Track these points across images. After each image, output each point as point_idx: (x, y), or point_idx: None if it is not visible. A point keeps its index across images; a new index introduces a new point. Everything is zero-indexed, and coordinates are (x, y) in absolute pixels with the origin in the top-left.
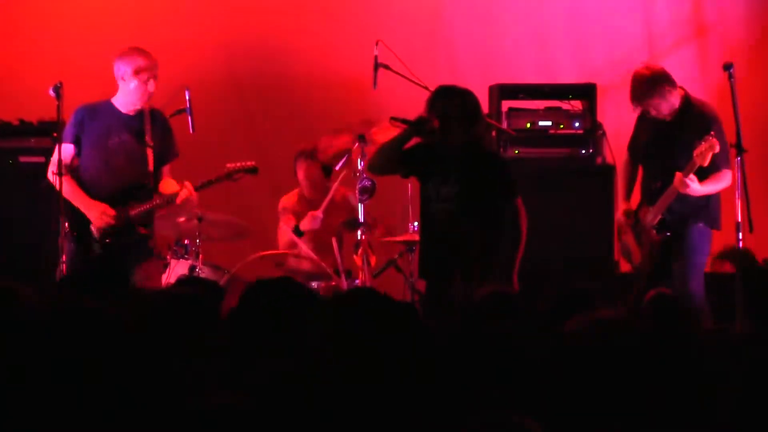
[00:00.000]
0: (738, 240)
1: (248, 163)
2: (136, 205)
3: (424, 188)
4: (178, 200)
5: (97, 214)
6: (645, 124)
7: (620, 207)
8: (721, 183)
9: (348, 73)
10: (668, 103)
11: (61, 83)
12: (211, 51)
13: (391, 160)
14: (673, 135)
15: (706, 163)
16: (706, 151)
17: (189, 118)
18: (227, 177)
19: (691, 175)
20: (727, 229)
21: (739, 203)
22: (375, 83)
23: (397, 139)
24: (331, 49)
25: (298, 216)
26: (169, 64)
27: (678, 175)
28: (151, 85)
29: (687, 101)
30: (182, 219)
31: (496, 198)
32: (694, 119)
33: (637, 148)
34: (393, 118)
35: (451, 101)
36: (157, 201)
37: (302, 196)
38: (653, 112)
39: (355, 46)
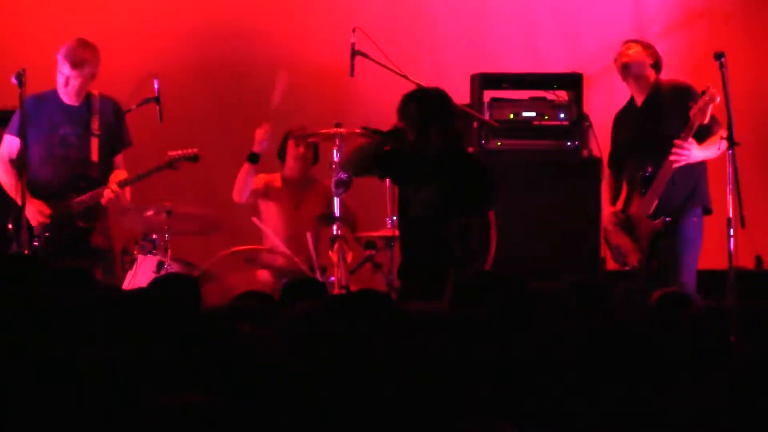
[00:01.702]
0: (729, 236)
1: (190, 150)
2: (76, 197)
3: (402, 191)
4: (103, 201)
5: (33, 213)
6: (620, 126)
7: (606, 211)
8: (715, 146)
9: (323, 61)
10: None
11: (23, 70)
12: (179, 37)
13: (365, 166)
14: (651, 116)
15: (706, 120)
16: (705, 105)
17: (158, 107)
18: (168, 165)
19: (690, 139)
20: (719, 225)
21: (730, 198)
22: (352, 71)
23: (370, 146)
24: (306, 36)
25: (278, 197)
26: (135, 51)
27: (676, 143)
28: (73, 84)
29: (656, 83)
30: (150, 212)
31: (474, 207)
32: (667, 93)
33: (617, 153)
34: (365, 128)
35: (424, 106)
36: (95, 193)
37: (285, 178)
38: (625, 59)
39: (331, 32)
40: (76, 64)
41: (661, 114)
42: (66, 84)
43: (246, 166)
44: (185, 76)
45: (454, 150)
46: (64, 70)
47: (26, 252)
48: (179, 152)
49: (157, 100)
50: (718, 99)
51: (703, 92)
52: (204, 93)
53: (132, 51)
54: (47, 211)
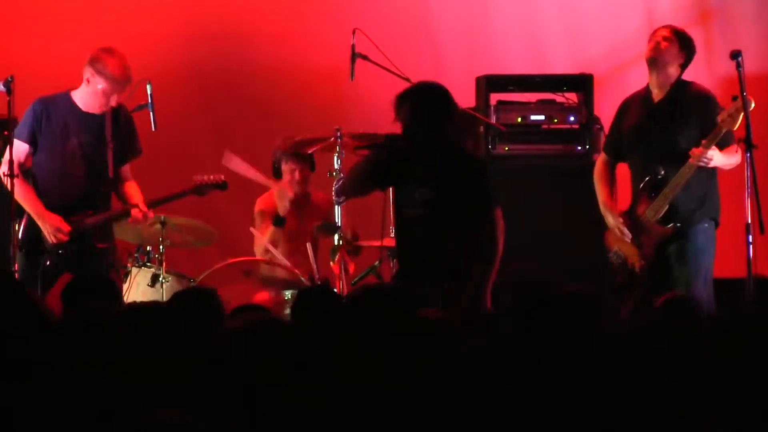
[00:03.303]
0: (748, 242)
1: (219, 177)
2: (92, 214)
3: (399, 192)
4: (130, 221)
5: (52, 230)
6: (628, 114)
7: (610, 212)
8: (735, 156)
9: (323, 64)
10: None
11: (12, 77)
12: (173, 41)
13: (363, 186)
14: (667, 116)
15: (736, 126)
16: (737, 112)
17: (150, 114)
18: (194, 191)
19: (713, 146)
20: (737, 231)
21: (749, 203)
22: (352, 74)
23: (362, 165)
24: (305, 38)
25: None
26: (126, 55)
27: (697, 150)
28: (113, 100)
29: (679, 83)
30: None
31: (474, 205)
32: (689, 97)
33: (618, 141)
34: (357, 148)
35: (419, 103)
36: (114, 212)
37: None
38: (655, 54)
39: (331, 34)
40: (124, 82)
41: (680, 117)
42: (97, 102)
43: (273, 228)
44: (179, 81)
45: (450, 150)
46: (104, 89)
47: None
48: (209, 178)
49: (150, 106)
50: (753, 105)
51: (735, 97)
52: (199, 98)
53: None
54: (66, 228)
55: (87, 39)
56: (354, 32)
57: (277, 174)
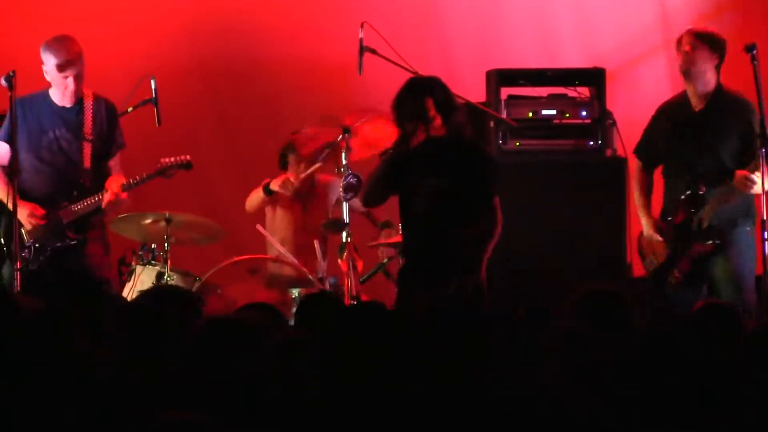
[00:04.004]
0: (764, 240)
1: (183, 157)
2: (69, 206)
3: (405, 189)
4: (103, 204)
5: (25, 216)
6: (664, 121)
7: (646, 222)
8: None
9: (330, 58)
10: (708, 70)
11: (14, 72)
12: (177, 35)
13: (381, 192)
14: (710, 129)
15: None
16: None
17: (155, 109)
18: (160, 173)
19: (757, 172)
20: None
21: (764, 199)
22: (360, 69)
23: (377, 173)
24: (312, 32)
25: (285, 204)
26: (130, 49)
27: (741, 174)
28: (71, 82)
29: (718, 91)
30: (148, 220)
31: (479, 195)
32: (728, 107)
33: (653, 149)
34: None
35: (425, 97)
36: (88, 203)
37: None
38: (688, 65)
39: (338, 28)
40: (67, 59)
41: (722, 130)
42: (59, 88)
43: (261, 194)
44: (184, 76)
45: (456, 140)
46: (56, 73)
47: (18, 263)
48: (171, 159)
49: (154, 101)
50: None
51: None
52: (204, 93)
53: (127, 49)
54: (40, 212)
55: (91, 34)
56: (362, 26)
57: (282, 165)
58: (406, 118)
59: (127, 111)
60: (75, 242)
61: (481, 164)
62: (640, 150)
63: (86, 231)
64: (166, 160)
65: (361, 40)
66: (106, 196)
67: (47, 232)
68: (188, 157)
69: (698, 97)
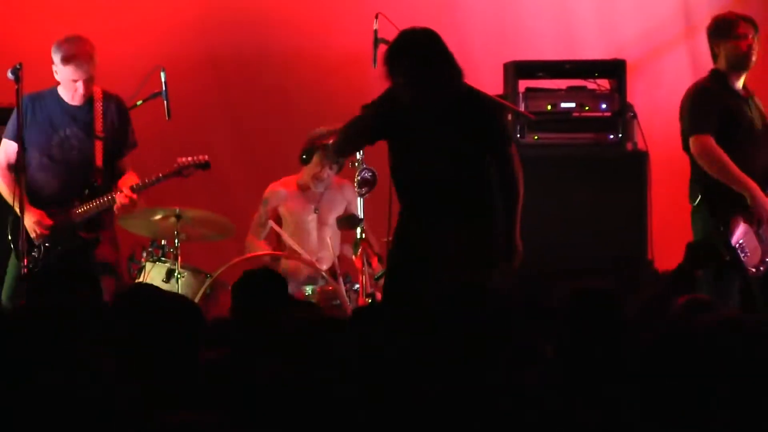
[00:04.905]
0: None
1: (201, 157)
2: (80, 205)
3: (399, 153)
4: (116, 207)
5: (31, 224)
6: (727, 100)
7: (753, 189)
8: None
9: (343, 50)
10: None
11: (20, 65)
12: (187, 27)
13: (358, 143)
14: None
15: None
16: None
17: (165, 102)
18: (177, 173)
19: None
20: None
21: None
22: (375, 61)
23: (355, 122)
24: (325, 23)
25: (296, 203)
26: (139, 42)
27: None
28: (81, 86)
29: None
30: (158, 216)
31: (486, 149)
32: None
33: (717, 122)
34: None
35: (419, 50)
36: (100, 202)
37: (302, 184)
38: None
39: (352, 19)
40: (77, 61)
41: None
42: (66, 84)
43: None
44: (194, 68)
45: (460, 90)
46: (63, 67)
47: (26, 263)
48: (189, 159)
49: (164, 94)
50: None
51: None
52: (214, 86)
53: (137, 41)
54: (47, 222)
55: (98, 26)
56: (377, 17)
57: (306, 160)
58: (419, 70)
59: (136, 104)
60: (87, 241)
61: (489, 113)
62: (709, 124)
63: (98, 230)
64: (183, 159)
65: (375, 32)
66: (119, 198)
67: (57, 234)
68: (206, 156)
69: (744, 88)
